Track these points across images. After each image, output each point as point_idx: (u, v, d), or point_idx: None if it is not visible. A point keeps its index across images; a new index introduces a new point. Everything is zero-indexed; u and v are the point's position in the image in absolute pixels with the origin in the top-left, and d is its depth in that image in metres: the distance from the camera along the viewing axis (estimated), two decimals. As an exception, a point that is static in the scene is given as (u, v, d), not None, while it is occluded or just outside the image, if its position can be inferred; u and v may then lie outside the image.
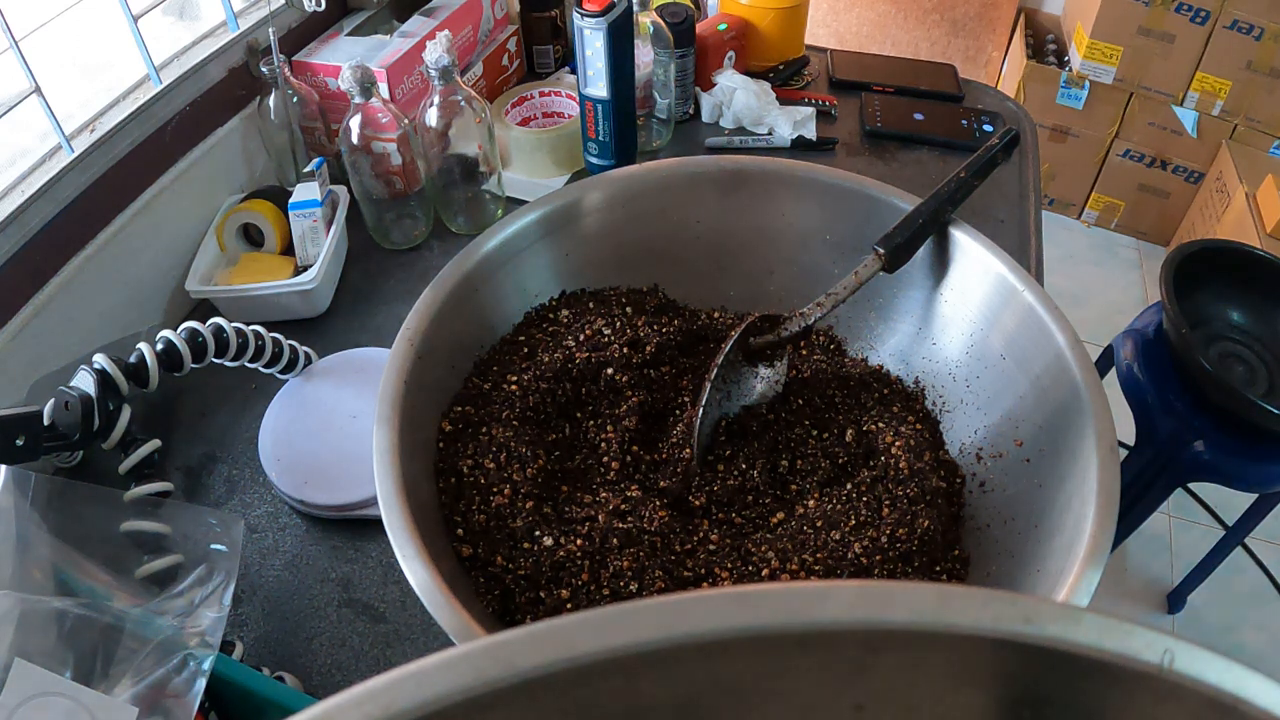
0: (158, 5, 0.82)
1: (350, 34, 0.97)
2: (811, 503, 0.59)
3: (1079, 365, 0.54)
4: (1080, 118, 2.19)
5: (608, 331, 0.65)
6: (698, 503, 0.59)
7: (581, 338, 0.64)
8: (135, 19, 0.79)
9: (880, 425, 0.62)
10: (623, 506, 0.56)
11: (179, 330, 0.66)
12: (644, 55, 0.94)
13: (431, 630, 0.61)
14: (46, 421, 0.60)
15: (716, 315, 0.72)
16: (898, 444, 0.60)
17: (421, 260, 0.90)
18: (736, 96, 1.04)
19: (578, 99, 0.89)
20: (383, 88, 0.88)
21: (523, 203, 0.73)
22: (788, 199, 0.70)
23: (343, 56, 0.91)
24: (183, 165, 0.83)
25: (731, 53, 1.09)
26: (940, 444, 0.63)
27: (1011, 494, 0.57)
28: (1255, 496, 1.30)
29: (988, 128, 1.05)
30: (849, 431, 0.63)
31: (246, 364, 0.70)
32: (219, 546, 0.53)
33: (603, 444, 0.61)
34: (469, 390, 0.61)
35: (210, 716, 0.49)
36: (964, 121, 1.06)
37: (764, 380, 0.65)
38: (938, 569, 0.55)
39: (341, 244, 0.88)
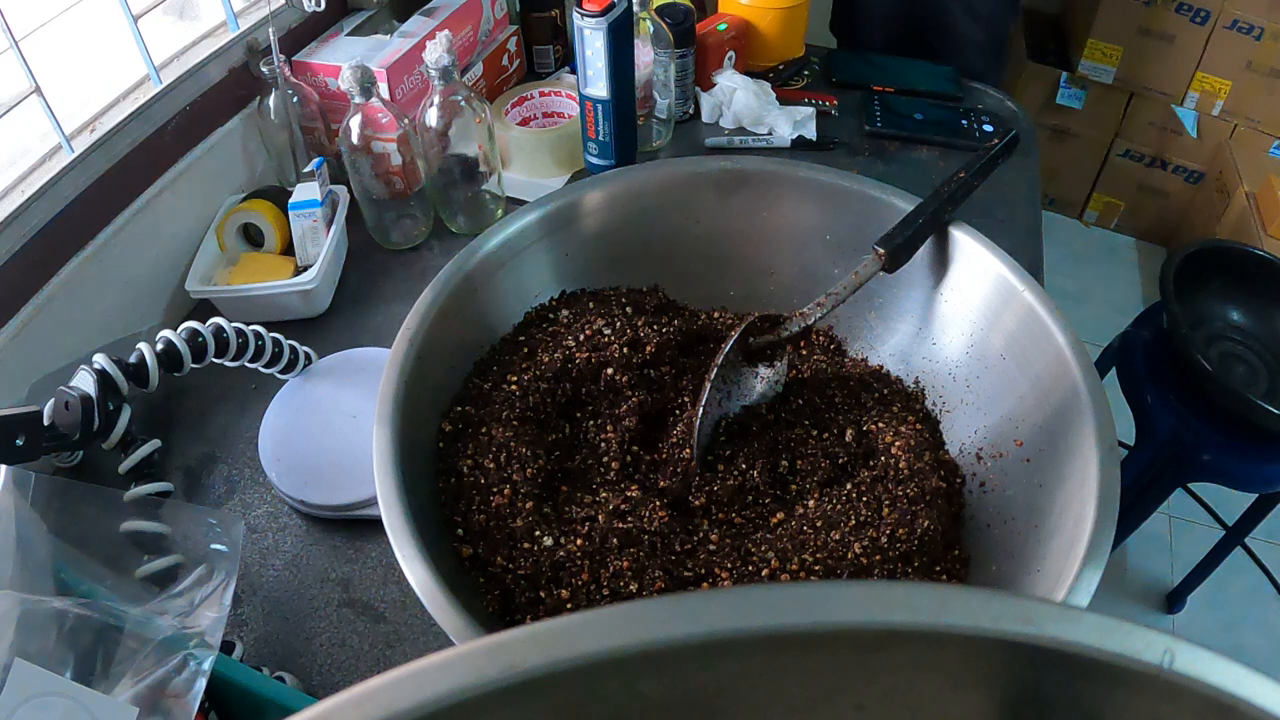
0: (158, 5, 0.82)
1: (350, 34, 0.97)
2: (811, 503, 0.58)
3: (1079, 365, 0.54)
4: (1080, 118, 2.19)
5: (608, 331, 0.65)
6: (698, 503, 0.59)
7: (581, 338, 0.64)
8: (135, 19, 0.79)
9: (880, 425, 0.62)
10: (623, 506, 0.56)
11: (179, 330, 0.66)
12: (644, 55, 0.94)
13: (431, 630, 0.61)
14: (46, 421, 0.60)
15: (716, 315, 0.72)
16: (898, 444, 0.60)
17: (421, 260, 0.90)
18: (736, 96, 1.04)
19: (578, 99, 0.89)
20: (383, 88, 0.88)
21: (523, 203, 0.73)
22: (788, 199, 0.70)
23: (343, 56, 0.91)
24: (183, 165, 0.83)
25: (731, 53, 1.09)
26: (940, 444, 0.63)
27: (1011, 494, 0.57)
28: (1255, 496, 1.30)
29: (988, 128, 1.05)
30: (849, 431, 0.63)
31: (246, 364, 0.70)
32: (219, 546, 0.53)
33: (603, 444, 0.61)
34: (469, 390, 0.61)
35: (210, 716, 0.49)
36: (964, 121, 1.06)
37: (764, 380, 0.65)
38: (938, 569, 0.55)
39: (341, 244, 0.88)
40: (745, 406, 0.63)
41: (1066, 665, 0.19)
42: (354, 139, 0.82)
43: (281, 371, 0.73)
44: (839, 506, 0.57)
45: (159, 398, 0.76)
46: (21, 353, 0.69)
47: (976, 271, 0.63)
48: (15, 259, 0.68)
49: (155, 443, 0.65)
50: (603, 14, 0.80)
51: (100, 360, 0.62)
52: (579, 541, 0.53)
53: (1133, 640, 0.18)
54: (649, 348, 0.64)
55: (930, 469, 0.59)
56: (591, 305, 0.68)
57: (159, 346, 0.65)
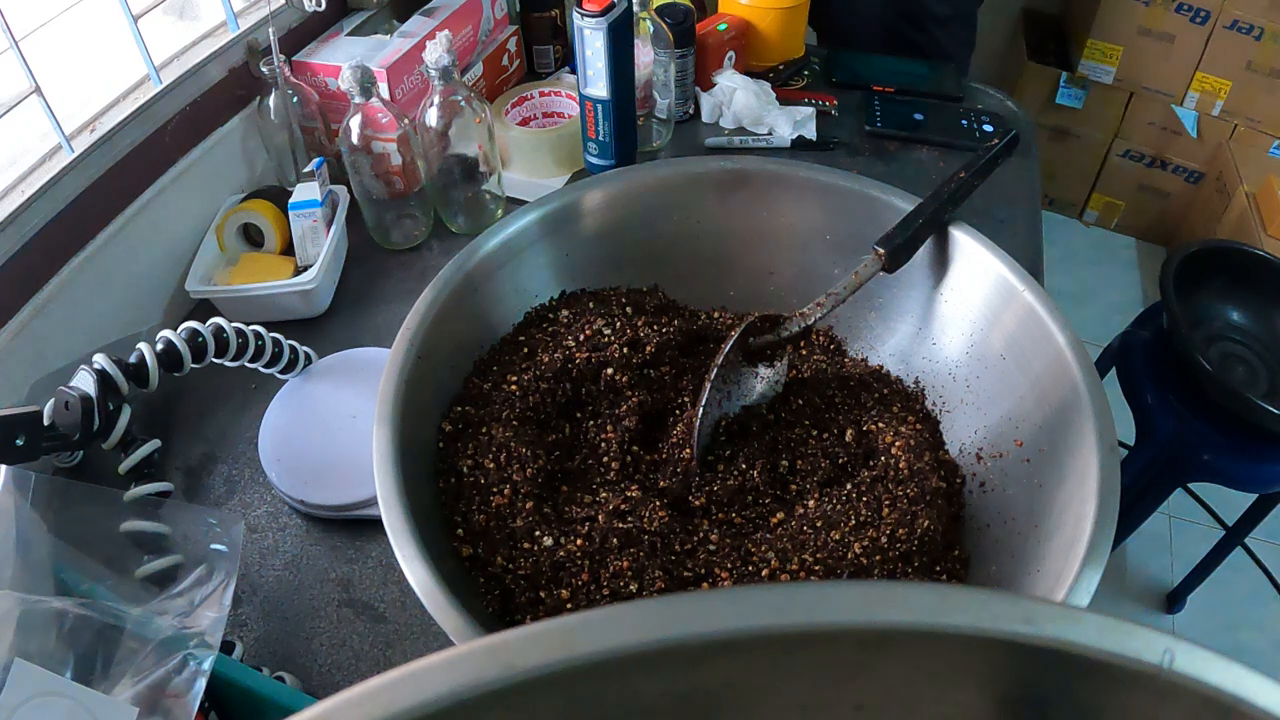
0: (158, 5, 0.82)
1: (350, 34, 0.97)
2: (811, 503, 0.59)
3: (1079, 365, 0.54)
4: (1080, 118, 2.19)
5: (608, 331, 0.65)
6: (698, 503, 0.59)
7: (581, 338, 0.64)
8: (135, 19, 0.79)
9: (880, 425, 0.62)
10: (622, 507, 0.56)
11: (179, 330, 0.66)
12: (644, 55, 0.94)
13: (431, 630, 0.61)
14: (46, 421, 0.60)
15: (716, 315, 0.72)
16: (898, 444, 0.60)
17: (421, 260, 0.90)
18: (736, 96, 1.04)
19: (578, 99, 0.89)
20: (383, 88, 0.88)
21: (523, 203, 0.73)
22: (788, 199, 0.70)
23: (343, 56, 0.91)
24: (183, 165, 0.83)
25: (731, 53, 1.09)
26: (940, 444, 0.63)
27: (1011, 494, 0.57)
28: (1255, 496, 1.30)
29: (988, 128, 1.05)
30: (849, 432, 0.63)
31: (246, 364, 0.70)
32: (219, 546, 0.53)
33: (603, 444, 0.61)
34: (469, 390, 0.61)
35: (210, 716, 0.49)
36: (964, 122, 1.06)
37: (764, 380, 0.65)
38: (938, 569, 0.55)
39: (341, 244, 0.88)
40: (745, 406, 0.63)
41: (1066, 665, 0.19)
42: (354, 139, 0.82)
43: (281, 371, 0.73)
44: (839, 506, 0.57)
45: (159, 398, 0.76)
46: (21, 353, 0.69)
47: (976, 271, 0.63)
48: (15, 259, 0.68)
49: (155, 443, 0.65)
50: (603, 14, 0.80)
51: (100, 360, 0.62)
52: (579, 541, 0.53)
53: (1133, 640, 0.18)
54: (649, 348, 0.64)
55: (930, 469, 0.59)
56: (591, 305, 0.68)
57: (159, 346, 0.65)
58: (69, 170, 0.72)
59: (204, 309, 0.84)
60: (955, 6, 1.36)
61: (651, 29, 0.95)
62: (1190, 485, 1.73)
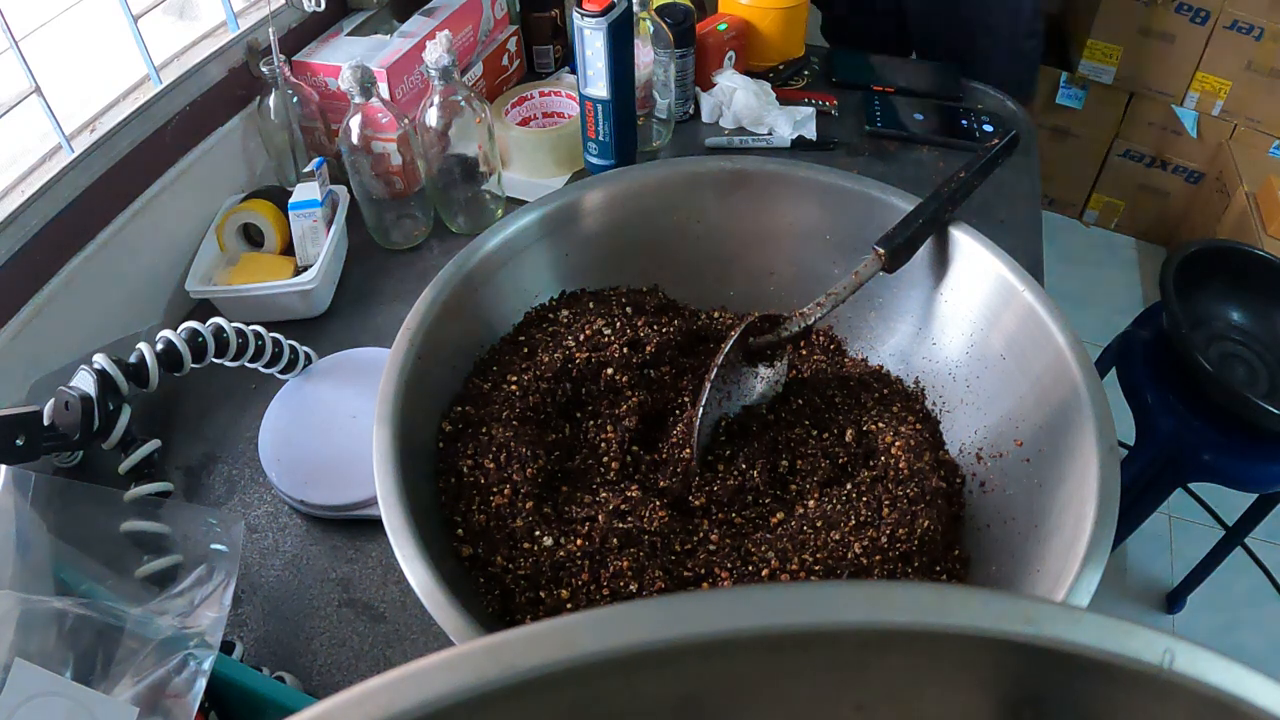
0: (158, 5, 0.82)
1: (350, 34, 0.97)
2: (811, 503, 0.58)
3: (1079, 365, 0.54)
4: (1080, 118, 2.19)
5: (608, 331, 0.65)
6: (698, 503, 0.59)
7: (581, 338, 0.64)
8: (135, 19, 0.79)
9: (880, 425, 0.62)
10: (622, 506, 0.56)
11: (179, 330, 0.66)
12: (644, 55, 0.94)
13: (431, 630, 0.61)
14: (46, 421, 0.60)
15: (716, 315, 0.72)
16: (898, 444, 0.60)
17: (421, 260, 0.90)
18: (736, 96, 1.04)
19: (578, 99, 0.89)
20: (383, 88, 0.88)
21: (523, 203, 0.73)
22: (788, 199, 0.70)
23: (343, 56, 0.91)
24: (183, 165, 0.83)
25: (731, 53, 1.09)
26: (940, 444, 0.63)
27: (1011, 494, 0.57)
28: (1255, 496, 1.30)
29: (988, 128, 1.05)
30: (849, 432, 0.63)
31: (246, 364, 0.70)
32: (219, 546, 0.53)
33: (603, 444, 0.61)
34: (469, 390, 0.61)
35: (210, 716, 0.49)
36: (964, 122, 1.06)
37: (764, 380, 0.65)
38: (938, 569, 0.55)
39: (341, 244, 0.88)
40: (745, 406, 0.63)
41: (1066, 665, 0.19)
42: (354, 139, 0.82)
43: (281, 371, 0.73)
44: (839, 506, 0.57)
45: (159, 398, 0.76)
46: (21, 353, 0.69)
47: (976, 271, 0.63)
48: (15, 259, 0.68)
49: (155, 443, 0.65)
50: (603, 14, 0.81)
51: (100, 360, 0.62)
52: (579, 541, 0.53)
53: (1133, 640, 0.18)
54: (649, 348, 0.64)
55: (930, 469, 0.59)
56: (591, 305, 0.68)
57: (159, 346, 0.65)
58: (69, 170, 0.72)
59: (204, 309, 0.84)
60: (1010, 39, 1.26)
61: (651, 29, 0.95)
62: (1190, 485, 1.73)
